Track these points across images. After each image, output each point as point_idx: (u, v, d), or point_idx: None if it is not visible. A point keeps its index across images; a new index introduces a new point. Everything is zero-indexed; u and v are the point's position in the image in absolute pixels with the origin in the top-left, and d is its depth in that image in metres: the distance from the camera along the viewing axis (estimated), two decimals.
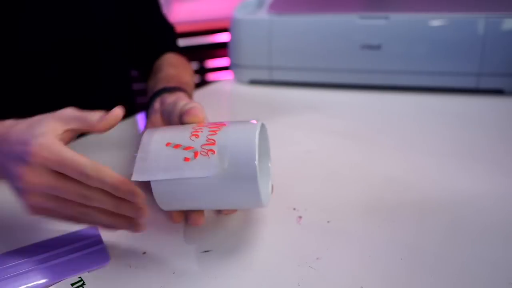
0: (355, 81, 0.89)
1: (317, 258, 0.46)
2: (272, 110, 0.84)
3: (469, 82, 0.84)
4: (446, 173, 0.60)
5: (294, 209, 0.53)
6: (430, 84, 0.86)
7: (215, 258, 0.46)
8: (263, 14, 0.90)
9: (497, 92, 0.84)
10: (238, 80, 0.95)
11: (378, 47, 0.85)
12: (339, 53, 0.88)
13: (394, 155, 0.66)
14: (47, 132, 0.42)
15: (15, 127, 0.44)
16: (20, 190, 0.42)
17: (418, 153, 0.66)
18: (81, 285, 0.42)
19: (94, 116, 0.44)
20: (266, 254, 0.47)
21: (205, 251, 0.47)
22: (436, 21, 0.83)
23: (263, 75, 0.92)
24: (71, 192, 0.41)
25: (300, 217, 0.52)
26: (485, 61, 0.82)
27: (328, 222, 0.51)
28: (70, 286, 0.42)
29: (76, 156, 0.41)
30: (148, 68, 0.82)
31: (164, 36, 0.86)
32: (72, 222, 0.44)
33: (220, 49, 1.60)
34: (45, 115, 0.44)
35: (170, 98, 0.57)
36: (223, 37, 1.57)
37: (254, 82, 0.94)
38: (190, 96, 0.66)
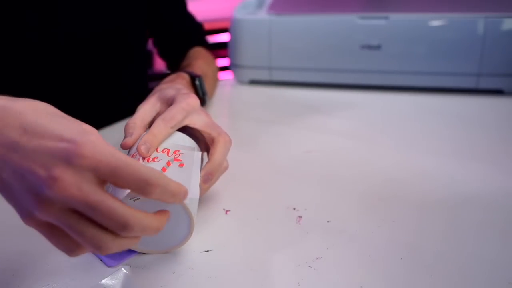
0: (355, 81, 0.89)
1: (317, 258, 0.46)
2: (272, 110, 0.84)
3: (469, 82, 0.84)
4: (446, 173, 0.60)
5: (294, 209, 0.53)
6: (430, 84, 0.86)
7: (215, 258, 0.46)
8: (263, 14, 0.90)
9: (497, 92, 0.84)
10: (238, 80, 0.95)
11: (378, 47, 0.85)
12: (339, 53, 0.88)
13: (394, 155, 0.66)
14: (94, 131, 0.35)
15: (43, 117, 0.34)
16: (40, 199, 0.32)
17: (418, 153, 0.66)
18: None
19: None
20: (266, 254, 0.47)
21: (205, 251, 0.47)
22: (436, 21, 0.83)
23: (263, 75, 0.93)
24: (108, 213, 0.33)
25: (300, 217, 0.52)
26: (484, 61, 0.82)
27: (328, 222, 0.51)
28: None
29: (132, 161, 0.33)
30: (175, 61, 0.87)
31: (191, 31, 0.90)
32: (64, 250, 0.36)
33: (220, 49, 1.60)
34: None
35: (168, 92, 0.56)
36: (223, 37, 1.57)
37: (254, 82, 0.94)
38: (200, 86, 0.69)
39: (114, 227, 0.33)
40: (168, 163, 0.45)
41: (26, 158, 0.33)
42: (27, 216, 0.34)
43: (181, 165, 0.45)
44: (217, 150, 0.50)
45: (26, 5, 0.67)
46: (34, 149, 0.33)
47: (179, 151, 0.47)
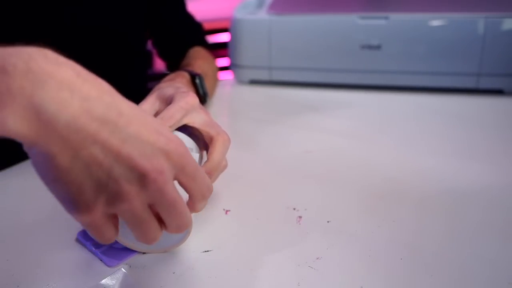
0: (355, 81, 0.89)
1: (317, 258, 0.46)
2: (272, 110, 0.84)
3: (469, 82, 0.84)
4: (446, 173, 0.60)
5: (294, 209, 0.53)
6: (430, 84, 0.86)
7: (215, 258, 0.46)
8: (263, 14, 0.90)
9: (497, 92, 0.84)
10: (238, 80, 0.95)
11: (378, 47, 0.85)
12: (339, 53, 0.88)
13: (394, 155, 0.66)
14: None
15: (131, 104, 0.33)
16: (133, 189, 0.31)
17: (418, 153, 0.66)
18: None
19: None
20: (266, 254, 0.47)
21: (205, 251, 0.47)
22: (436, 21, 0.83)
23: (263, 75, 0.93)
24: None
25: (300, 217, 0.52)
26: (484, 61, 0.82)
27: (328, 222, 0.51)
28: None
29: (202, 169, 0.37)
30: (175, 61, 0.87)
31: (191, 31, 0.90)
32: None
33: (220, 49, 1.60)
34: None
35: (168, 90, 0.56)
36: (223, 37, 1.57)
37: (254, 82, 0.94)
38: (201, 84, 0.69)
39: (178, 226, 0.35)
40: None
41: (126, 143, 0.30)
42: (89, 208, 0.31)
43: None
44: (216, 149, 0.50)
45: (24, 5, 0.67)
46: (136, 136, 0.31)
47: None
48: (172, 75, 0.66)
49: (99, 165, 0.30)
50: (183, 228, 0.35)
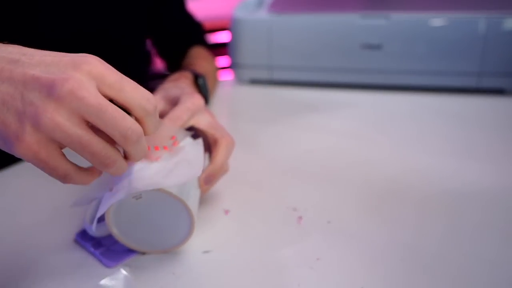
0: (356, 81, 0.89)
1: (317, 259, 0.45)
2: (272, 110, 0.84)
3: (470, 82, 0.84)
4: (446, 173, 0.60)
5: (294, 209, 0.53)
6: (430, 83, 0.86)
7: (215, 258, 0.46)
8: (263, 14, 0.90)
9: (498, 91, 0.84)
10: (238, 79, 0.95)
11: (378, 47, 0.85)
12: (339, 53, 0.88)
13: (394, 155, 0.65)
14: None
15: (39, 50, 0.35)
16: (49, 104, 0.31)
17: (418, 153, 0.66)
18: None
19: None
20: (266, 254, 0.47)
21: (205, 251, 0.47)
22: (437, 20, 0.82)
23: (263, 75, 0.92)
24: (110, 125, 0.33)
25: (300, 217, 0.52)
26: (485, 60, 0.82)
27: (328, 222, 0.51)
28: None
29: (135, 83, 0.35)
30: (174, 61, 0.87)
31: (190, 31, 0.90)
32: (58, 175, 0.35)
33: (220, 48, 1.60)
34: None
35: (173, 91, 0.56)
36: (223, 37, 1.57)
37: (254, 81, 0.94)
38: (204, 85, 0.69)
39: (122, 135, 0.33)
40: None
41: (30, 69, 0.32)
42: (20, 136, 0.32)
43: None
44: (220, 152, 0.49)
45: (24, 8, 0.67)
46: (38, 62, 0.33)
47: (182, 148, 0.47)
48: (175, 75, 0.66)
49: (12, 98, 0.32)
50: (130, 137, 0.33)
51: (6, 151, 0.34)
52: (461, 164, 0.62)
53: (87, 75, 0.32)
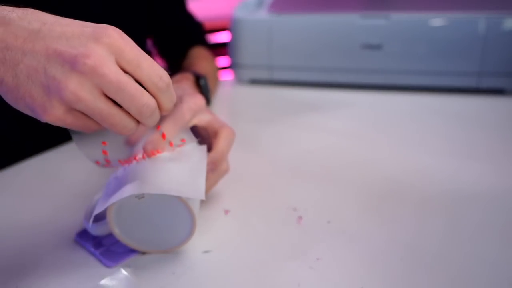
0: (356, 81, 0.89)
1: (318, 259, 0.45)
2: (272, 110, 0.84)
3: (470, 82, 0.84)
4: (446, 173, 0.60)
5: (294, 209, 0.53)
6: (430, 83, 0.86)
7: (215, 258, 0.46)
8: (263, 14, 0.90)
9: (498, 91, 0.84)
10: (238, 79, 0.95)
11: (378, 47, 0.85)
12: (339, 53, 0.88)
13: (394, 155, 0.65)
14: None
15: (60, 18, 0.35)
16: (72, 79, 0.32)
17: (418, 153, 0.65)
18: None
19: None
20: (266, 254, 0.47)
21: (205, 251, 0.47)
22: (437, 20, 0.82)
23: (263, 75, 0.92)
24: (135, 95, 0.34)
25: (300, 217, 0.52)
26: (485, 60, 0.82)
27: (328, 222, 0.51)
28: None
29: (154, 61, 0.36)
30: (175, 60, 0.87)
31: (191, 31, 0.90)
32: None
33: (220, 48, 1.60)
34: None
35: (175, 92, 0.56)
36: (223, 37, 1.57)
37: (254, 81, 0.94)
38: (205, 85, 0.69)
39: (138, 110, 0.35)
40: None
41: (52, 42, 0.33)
42: (48, 109, 0.33)
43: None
44: (221, 141, 0.50)
45: (30, 4, 0.67)
46: (60, 34, 0.33)
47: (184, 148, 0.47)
48: (177, 77, 0.67)
49: (36, 71, 0.33)
50: (145, 113, 0.35)
51: (33, 116, 0.35)
52: (461, 164, 0.62)
53: (108, 49, 0.33)
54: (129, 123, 0.36)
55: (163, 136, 0.45)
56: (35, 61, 0.33)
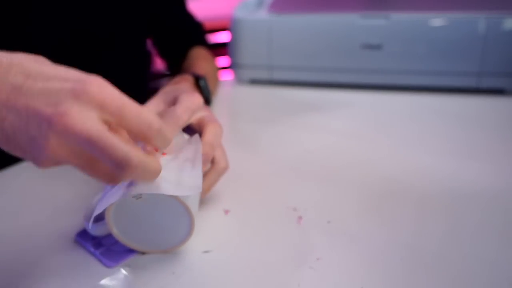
0: (356, 81, 0.89)
1: (318, 259, 0.45)
2: (272, 110, 0.84)
3: (470, 82, 0.84)
4: (446, 173, 0.60)
5: (294, 209, 0.53)
6: (430, 83, 0.86)
7: (215, 258, 0.46)
8: (263, 14, 0.90)
9: (498, 91, 0.84)
10: (238, 79, 0.95)
11: (378, 47, 0.85)
12: (339, 53, 0.88)
13: (394, 155, 0.65)
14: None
15: (50, 64, 0.35)
16: (49, 140, 0.32)
17: (418, 153, 0.65)
18: None
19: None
20: (266, 254, 0.47)
21: (205, 251, 0.47)
22: (437, 20, 0.82)
23: (263, 75, 0.92)
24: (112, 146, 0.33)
25: (300, 217, 0.52)
26: (485, 60, 0.82)
27: (328, 222, 0.51)
28: None
29: (139, 107, 0.34)
30: (175, 60, 0.87)
31: (191, 31, 0.90)
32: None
33: (220, 48, 1.60)
34: None
35: (173, 93, 0.56)
36: (223, 37, 1.57)
37: (254, 81, 0.94)
38: (205, 86, 0.69)
39: (116, 165, 0.33)
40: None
41: (32, 100, 0.32)
42: (40, 162, 0.34)
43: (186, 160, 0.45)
44: (206, 134, 0.49)
45: (26, 3, 0.67)
46: (40, 91, 0.32)
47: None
48: (176, 79, 0.67)
49: (19, 129, 0.33)
50: (129, 165, 0.34)
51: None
52: (461, 164, 0.62)
53: (87, 105, 0.32)
54: (108, 174, 0.35)
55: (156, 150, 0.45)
56: (17, 119, 0.33)
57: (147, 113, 0.34)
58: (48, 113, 0.32)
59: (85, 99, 0.32)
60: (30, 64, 0.34)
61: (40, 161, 0.34)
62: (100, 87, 0.33)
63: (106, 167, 0.34)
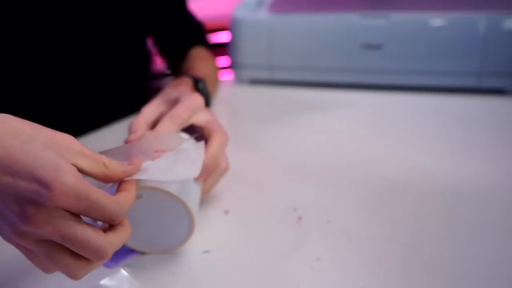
0: (356, 81, 0.89)
1: (317, 259, 0.45)
2: (272, 110, 0.84)
3: (470, 82, 0.84)
4: (446, 173, 0.60)
5: (294, 209, 0.53)
6: (430, 83, 0.86)
7: (215, 258, 0.46)
8: (263, 14, 0.90)
9: (498, 91, 0.84)
10: (239, 79, 0.95)
11: (378, 47, 0.85)
12: (339, 53, 0.88)
13: (394, 155, 0.65)
14: (65, 151, 0.34)
15: (19, 148, 0.32)
16: (16, 230, 0.33)
17: (418, 153, 0.66)
18: None
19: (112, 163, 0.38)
20: (266, 254, 0.47)
21: (205, 251, 0.47)
22: (437, 20, 0.82)
23: (264, 75, 0.92)
24: (77, 241, 0.33)
25: (300, 217, 0.52)
26: (485, 60, 0.82)
27: (328, 222, 0.51)
28: None
29: (104, 199, 0.34)
30: (175, 60, 0.88)
31: (192, 30, 0.90)
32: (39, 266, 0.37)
33: (220, 48, 1.60)
34: (57, 135, 0.35)
35: (173, 94, 0.56)
36: (223, 37, 1.57)
37: (254, 81, 0.94)
38: (204, 89, 0.69)
39: (90, 256, 0.34)
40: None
41: (1, 192, 0.32)
42: (6, 237, 0.34)
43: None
44: (212, 144, 0.50)
45: (27, 3, 0.67)
46: (7, 186, 0.32)
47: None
48: (176, 82, 0.67)
49: None
50: (103, 256, 0.34)
51: None
52: (461, 164, 0.62)
53: (52, 208, 0.32)
54: (72, 267, 0.35)
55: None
56: None
57: (111, 209, 0.34)
58: (16, 212, 0.32)
59: (49, 205, 0.32)
60: (5, 141, 0.32)
61: (7, 238, 0.34)
62: (65, 194, 0.31)
63: (69, 259, 0.35)
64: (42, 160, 0.32)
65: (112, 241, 0.35)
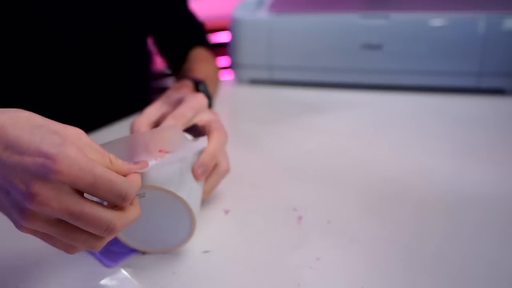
0: (356, 81, 0.89)
1: (317, 259, 0.45)
2: (272, 110, 0.84)
3: (470, 82, 0.84)
4: (446, 173, 0.60)
5: (294, 209, 0.53)
6: (430, 83, 0.86)
7: (215, 258, 0.46)
8: (263, 14, 0.90)
9: (498, 91, 0.84)
10: (239, 79, 0.95)
11: (378, 47, 0.85)
12: (339, 53, 0.88)
13: (394, 155, 0.65)
14: (73, 141, 0.35)
15: (29, 131, 0.33)
16: (24, 212, 0.33)
17: (418, 153, 0.66)
18: None
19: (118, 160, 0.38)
20: (266, 254, 0.47)
21: (205, 251, 0.47)
22: (437, 20, 0.82)
23: (264, 75, 0.92)
24: (87, 220, 0.34)
25: (300, 217, 0.52)
26: (485, 60, 0.82)
27: (328, 222, 0.51)
28: None
29: (110, 174, 0.34)
30: (175, 60, 0.88)
31: (193, 30, 0.90)
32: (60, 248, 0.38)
33: (220, 48, 1.60)
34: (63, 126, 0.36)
35: (175, 95, 0.56)
36: (223, 37, 1.57)
37: (254, 81, 0.94)
38: (205, 91, 0.68)
39: (99, 232, 0.34)
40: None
41: (8, 173, 0.33)
42: (19, 225, 0.35)
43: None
44: (211, 142, 0.50)
45: (28, 5, 0.67)
46: (14, 165, 0.33)
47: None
48: (177, 85, 0.68)
49: (2, 196, 0.34)
50: (112, 230, 0.34)
51: None
52: (461, 164, 0.62)
53: (58, 182, 0.32)
54: (90, 243, 0.36)
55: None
56: None
57: (119, 185, 0.34)
58: (22, 190, 0.32)
59: (54, 178, 0.32)
60: (9, 131, 0.33)
61: (19, 226, 0.35)
62: (69, 166, 0.32)
63: (84, 235, 0.35)
64: (48, 139, 0.33)
65: (121, 215, 0.35)
